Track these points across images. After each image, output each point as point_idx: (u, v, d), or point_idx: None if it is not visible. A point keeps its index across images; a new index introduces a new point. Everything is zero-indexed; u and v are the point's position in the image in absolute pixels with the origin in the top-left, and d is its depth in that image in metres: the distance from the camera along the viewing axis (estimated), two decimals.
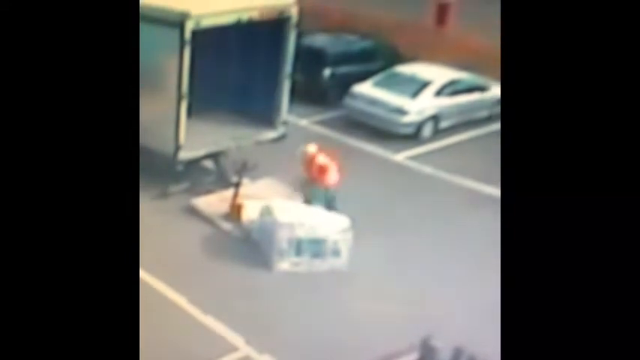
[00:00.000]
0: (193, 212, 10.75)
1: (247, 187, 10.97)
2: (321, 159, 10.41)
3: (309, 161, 10.39)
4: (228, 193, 10.82)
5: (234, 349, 8.01)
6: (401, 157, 13.18)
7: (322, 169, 10.33)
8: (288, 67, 11.55)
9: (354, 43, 16.03)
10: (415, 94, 13.94)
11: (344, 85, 14.42)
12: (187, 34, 10.19)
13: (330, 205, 10.30)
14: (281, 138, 11.92)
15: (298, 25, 11.45)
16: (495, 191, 11.11)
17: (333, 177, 10.39)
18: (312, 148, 10.52)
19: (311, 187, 10.41)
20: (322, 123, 14.35)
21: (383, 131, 13.72)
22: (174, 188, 11.15)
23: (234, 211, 10.49)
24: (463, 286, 9.29)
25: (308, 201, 10.37)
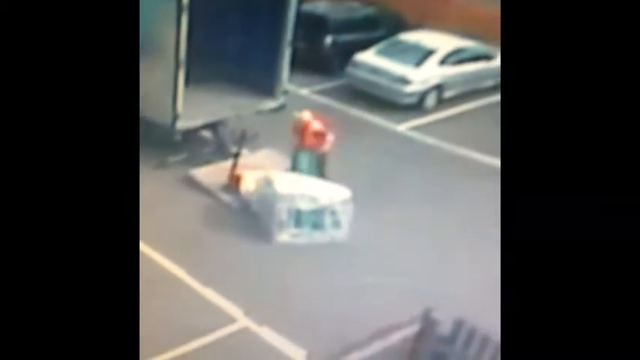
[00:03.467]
0: (191, 183, 10.62)
1: (246, 157, 10.81)
2: (316, 125, 10.21)
3: (304, 128, 10.17)
4: (227, 163, 10.68)
5: (232, 320, 7.96)
6: (404, 127, 12.99)
7: (317, 135, 10.15)
8: (288, 34, 11.29)
9: (357, 10, 15.73)
10: (419, 62, 13.68)
11: (346, 53, 14.17)
12: (185, 0, 9.93)
13: (320, 169, 10.17)
14: (281, 108, 11.72)
15: None
16: (499, 162, 10.94)
17: (328, 141, 10.21)
18: (306, 115, 10.30)
19: (299, 153, 10.22)
20: (324, 92, 14.13)
21: (386, 101, 13.51)
22: (172, 159, 11.01)
23: (233, 182, 10.36)
24: (465, 258, 9.19)
25: (294, 168, 10.23)
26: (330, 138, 10.23)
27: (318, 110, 11.06)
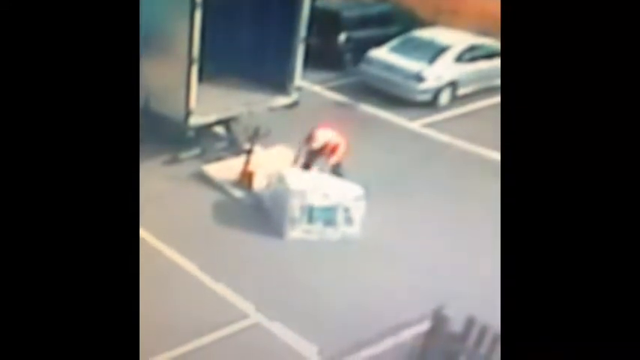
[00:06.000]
0: (204, 179, 10.64)
1: (259, 154, 10.82)
2: (334, 139, 10.07)
3: (323, 147, 10.03)
4: (240, 159, 10.69)
5: (244, 316, 7.96)
6: (417, 124, 12.92)
7: (334, 149, 10.07)
8: (302, 30, 11.25)
9: (371, 6, 15.65)
10: (433, 59, 13.59)
11: (360, 49, 14.11)
12: None
13: (336, 174, 10.15)
14: (294, 104, 11.69)
15: None
16: None
17: (342, 152, 10.11)
18: (325, 135, 10.03)
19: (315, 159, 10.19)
20: (337, 89, 14.09)
21: (399, 98, 13.44)
22: (184, 154, 11.04)
23: (246, 179, 10.37)
24: (477, 256, 9.12)
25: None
26: (342, 149, 10.08)
27: (335, 108, 10.95)
